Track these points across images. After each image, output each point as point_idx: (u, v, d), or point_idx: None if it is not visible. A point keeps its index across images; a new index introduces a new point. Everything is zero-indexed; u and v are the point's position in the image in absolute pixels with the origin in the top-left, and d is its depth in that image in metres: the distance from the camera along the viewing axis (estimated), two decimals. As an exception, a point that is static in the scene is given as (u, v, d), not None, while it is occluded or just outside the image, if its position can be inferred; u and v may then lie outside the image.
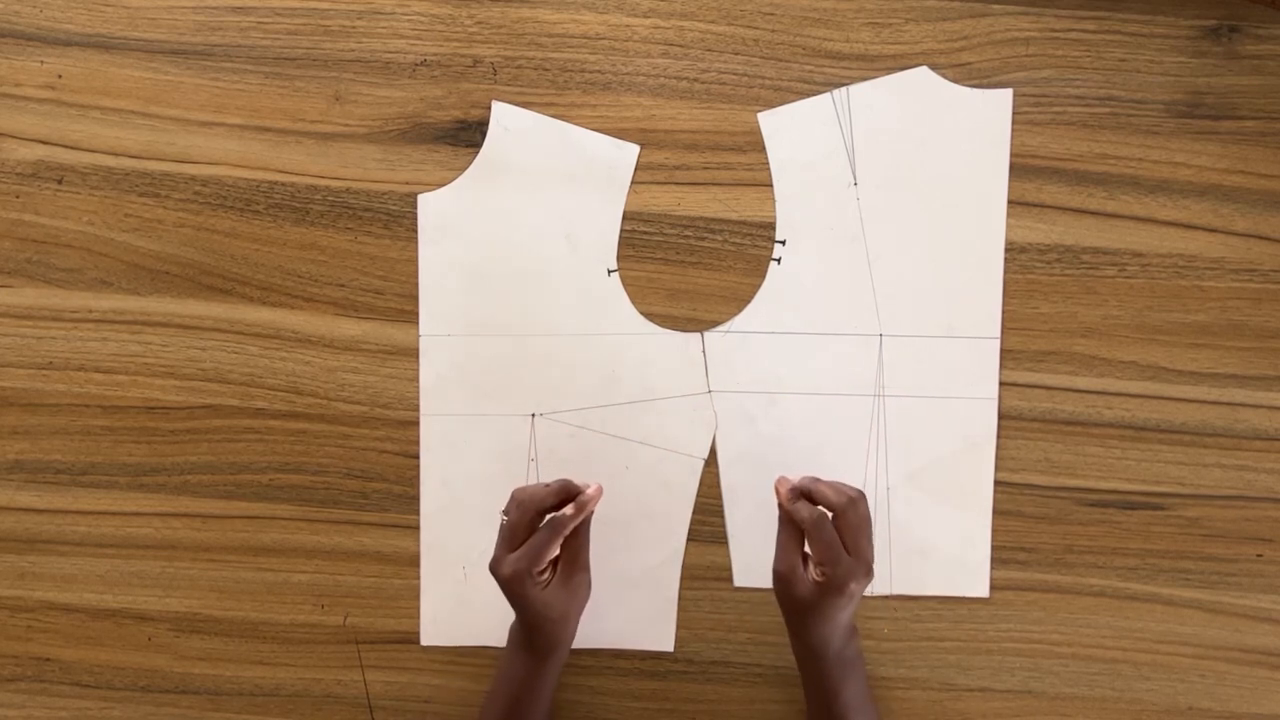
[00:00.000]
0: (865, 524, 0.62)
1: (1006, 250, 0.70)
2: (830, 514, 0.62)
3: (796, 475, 0.65)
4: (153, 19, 0.70)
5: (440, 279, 0.71)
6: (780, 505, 0.64)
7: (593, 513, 0.65)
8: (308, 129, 0.71)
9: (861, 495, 0.62)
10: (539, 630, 0.64)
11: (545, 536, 0.63)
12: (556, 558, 0.65)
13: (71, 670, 0.73)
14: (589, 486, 0.65)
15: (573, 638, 0.66)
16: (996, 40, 0.69)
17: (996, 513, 0.71)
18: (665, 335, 0.71)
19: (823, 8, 0.69)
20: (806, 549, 0.63)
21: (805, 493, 0.63)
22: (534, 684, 0.65)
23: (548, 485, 0.64)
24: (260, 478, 0.72)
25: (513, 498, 0.64)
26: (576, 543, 0.65)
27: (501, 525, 0.63)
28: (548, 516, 0.64)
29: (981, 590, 0.71)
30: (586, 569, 0.65)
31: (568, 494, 0.64)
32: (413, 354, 0.71)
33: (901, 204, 0.70)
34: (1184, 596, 0.71)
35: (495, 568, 0.63)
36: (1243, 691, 0.71)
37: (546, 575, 0.64)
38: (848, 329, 0.70)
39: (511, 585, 0.62)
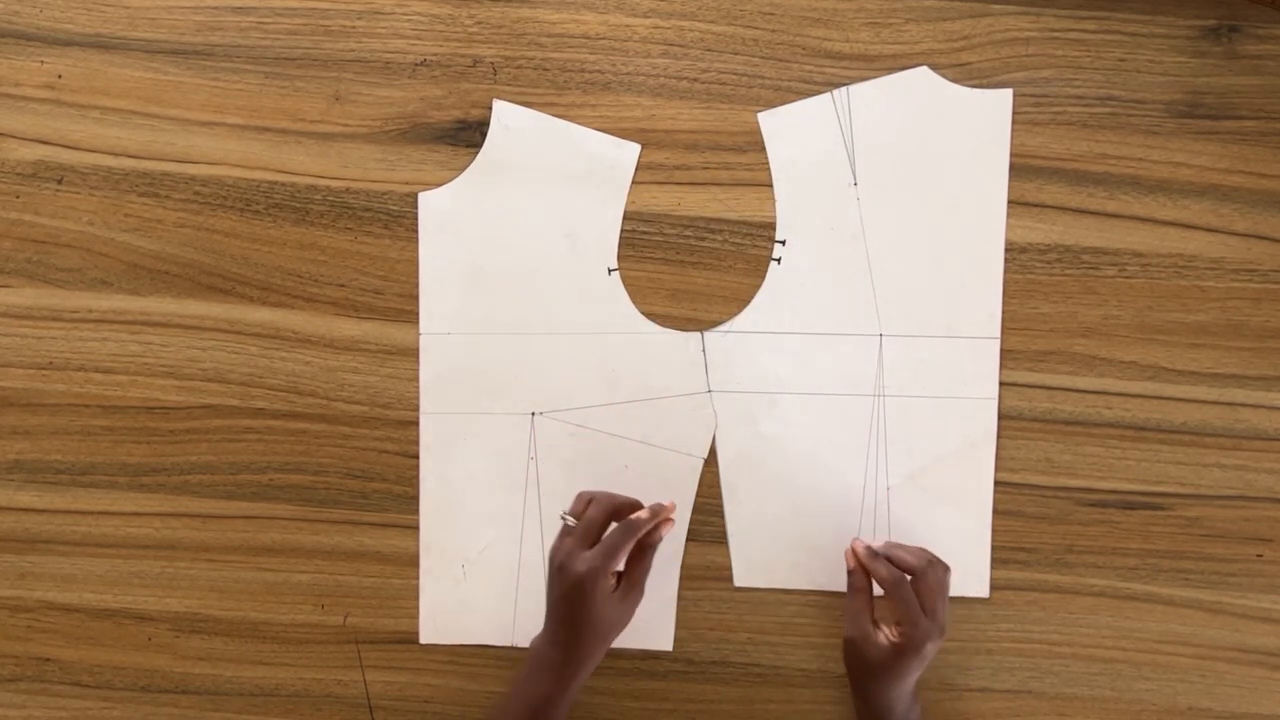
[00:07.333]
0: (943, 588, 0.64)
1: (1006, 250, 0.70)
2: (909, 576, 0.64)
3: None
4: (153, 19, 0.70)
5: (440, 278, 0.71)
6: (852, 570, 0.66)
7: (663, 537, 0.65)
8: (308, 129, 0.71)
9: (940, 560, 0.65)
10: (584, 641, 0.62)
11: (620, 537, 0.62)
12: (619, 572, 0.64)
13: (71, 670, 0.73)
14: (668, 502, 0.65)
15: (600, 659, 0.64)
16: (996, 40, 0.69)
17: (996, 513, 0.71)
18: (665, 335, 0.71)
19: (823, 8, 0.69)
20: (875, 615, 0.65)
21: (884, 556, 0.65)
22: (557, 703, 0.63)
23: (619, 496, 0.64)
24: (260, 478, 0.72)
25: (580, 497, 0.64)
26: (644, 562, 0.64)
27: (566, 526, 0.63)
28: (622, 521, 0.63)
29: (981, 590, 0.71)
30: (642, 593, 0.64)
31: (638, 505, 0.64)
32: (413, 354, 0.71)
33: (901, 204, 0.70)
34: (1184, 596, 0.71)
35: (568, 563, 0.61)
36: (1243, 691, 0.71)
37: (611, 583, 0.62)
38: (848, 329, 0.70)
39: (584, 583, 0.60)
